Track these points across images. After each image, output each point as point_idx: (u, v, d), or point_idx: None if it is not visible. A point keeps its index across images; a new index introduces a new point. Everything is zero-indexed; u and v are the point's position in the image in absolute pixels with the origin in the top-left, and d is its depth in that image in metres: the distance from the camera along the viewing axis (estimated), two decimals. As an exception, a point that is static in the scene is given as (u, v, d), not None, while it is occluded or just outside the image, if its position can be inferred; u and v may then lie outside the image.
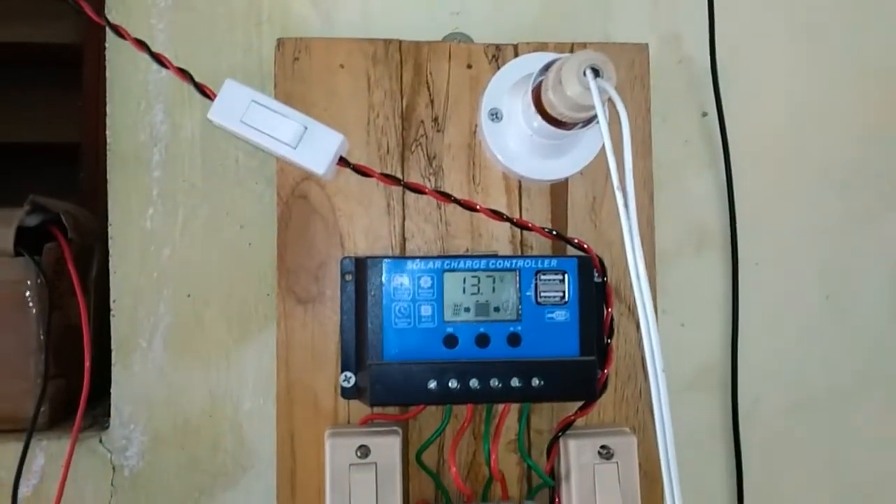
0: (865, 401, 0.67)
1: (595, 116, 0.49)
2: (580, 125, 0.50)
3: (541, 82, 0.50)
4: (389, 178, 0.53)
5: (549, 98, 0.48)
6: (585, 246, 0.55)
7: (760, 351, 0.65)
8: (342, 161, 0.53)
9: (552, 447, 0.55)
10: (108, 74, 0.61)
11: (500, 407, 0.55)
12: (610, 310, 0.56)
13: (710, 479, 0.64)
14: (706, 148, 0.66)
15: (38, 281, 0.60)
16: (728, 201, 0.65)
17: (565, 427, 0.55)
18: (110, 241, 0.59)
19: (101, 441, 0.59)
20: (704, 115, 0.66)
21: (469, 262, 0.52)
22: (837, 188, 0.67)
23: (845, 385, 0.67)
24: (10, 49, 0.97)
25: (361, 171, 0.53)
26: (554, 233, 0.55)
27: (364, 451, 0.52)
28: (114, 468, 0.59)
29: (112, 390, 0.59)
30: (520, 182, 0.58)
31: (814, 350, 0.66)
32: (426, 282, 0.52)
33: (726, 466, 0.65)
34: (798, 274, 0.67)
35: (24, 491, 0.57)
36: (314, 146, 0.50)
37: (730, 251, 0.65)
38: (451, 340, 0.52)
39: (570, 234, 0.57)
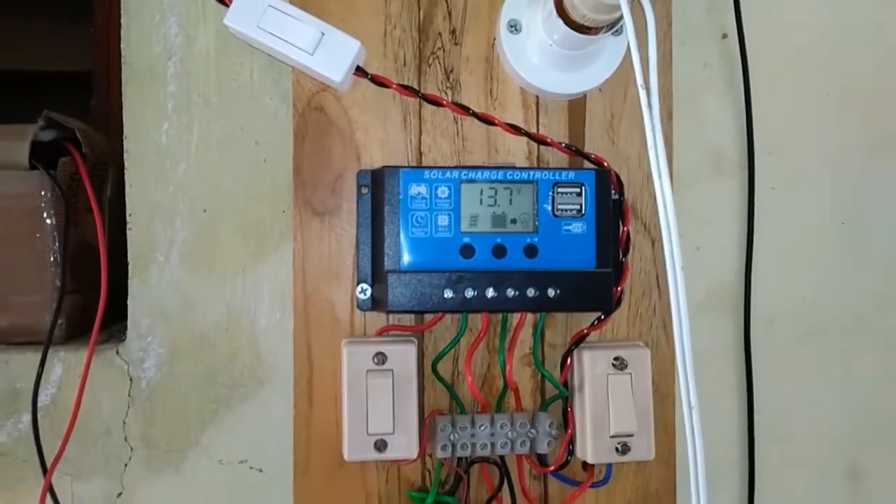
0: (878, 327, 0.67)
1: (618, 19, 0.48)
2: (604, 29, 0.50)
3: (562, -13, 0.49)
4: (407, 90, 0.53)
5: (573, 0, 0.48)
6: (603, 161, 0.55)
7: (774, 275, 0.65)
8: (359, 71, 0.52)
9: (566, 359, 0.55)
10: (121, -14, 0.60)
11: (515, 320, 0.55)
12: (626, 227, 0.56)
13: (721, 400, 0.65)
14: (725, 71, 0.65)
15: (54, 194, 0.60)
16: (746, 125, 0.64)
17: (579, 340, 0.55)
18: (125, 155, 0.59)
19: (118, 353, 0.60)
20: (724, 37, 0.65)
21: (487, 173, 0.52)
22: (857, 114, 0.67)
23: (858, 311, 0.67)
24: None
25: (379, 82, 0.52)
26: (572, 148, 0.55)
27: (381, 357, 0.52)
28: (131, 379, 0.60)
29: (129, 303, 0.59)
30: (537, 98, 0.57)
31: (827, 276, 0.66)
32: (443, 192, 0.52)
33: (737, 388, 0.65)
34: (814, 200, 0.66)
35: (42, 400, 0.58)
36: (331, 53, 0.50)
37: (746, 175, 0.65)
38: (467, 250, 0.52)
39: (588, 150, 0.57)
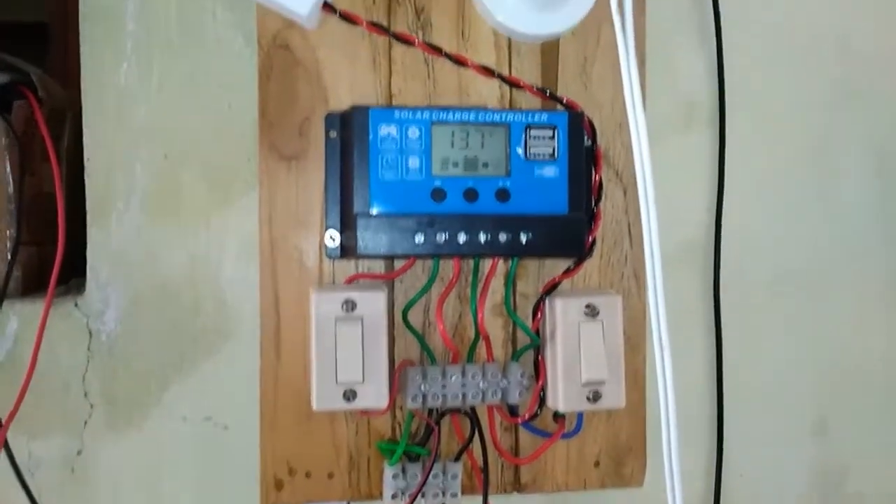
0: (847, 278, 0.68)
1: (592, -45, 0.47)
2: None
3: (536, -78, 0.48)
4: (376, 27, 0.51)
5: (545, -66, 0.46)
6: (576, 105, 0.54)
7: (744, 227, 0.65)
8: (327, 6, 0.51)
9: (538, 307, 0.55)
10: (76, -80, 0.57)
11: (487, 268, 0.54)
12: (599, 173, 0.55)
13: (689, 351, 0.65)
14: (697, 23, 0.65)
15: (8, 140, 0.57)
16: (717, 77, 0.64)
17: (551, 288, 0.55)
18: (83, 97, 0.57)
19: (76, 305, 0.57)
20: (697, -13, 0.64)
21: (458, 115, 0.51)
22: (829, 65, 0.67)
23: (828, 262, 0.67)
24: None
25: (348, 18, 0.51)
26: (544, 91, 0.54)
27: (350, 304, 0.51)
28: (90, 333, 0.57)
29: (87, 252, 0.57)
30: (510, 40, 0.56)
31: (798, 227, 0.67)
32: (414, 133, 0.51)
33: (706, 339, 0.65)
34: (785, 151, 0.66)
35: (-3, 355, 0.56)
36: (297, -14, 0.48)
37: (717, 127, 0.64)
38: (439, 194, 0.51)
39: (560, 94, 0.56)
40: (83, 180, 0.58)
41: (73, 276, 0.61)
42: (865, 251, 0.68)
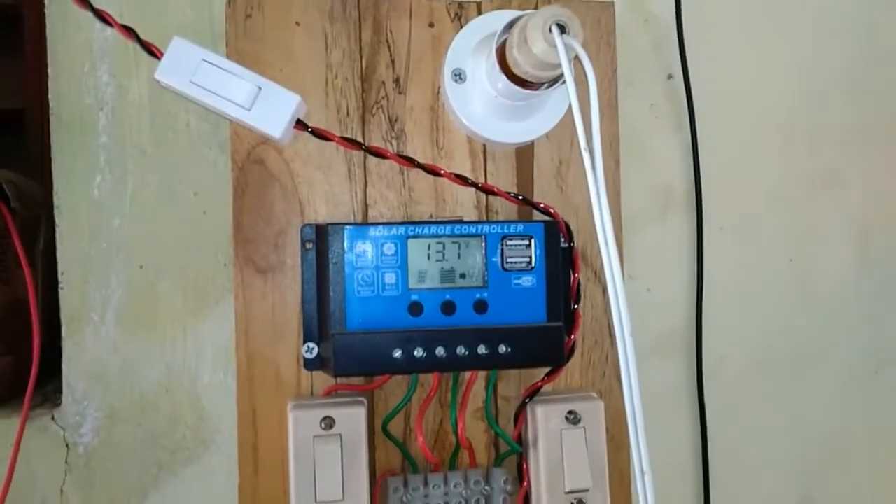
0: (827, 361, 0.68)
1: (561, 76, 0.47)
2: (546, 85, 0.49)
3: (505, 40, 0.49)
4: (350, 142, 0.51)
5: (514, 56, 0.47)
6: (552, 210, 0.54)
7: (725, 313, 0.66)
8: (300, 124, 0.51)
9: (519, 414, 0.54)
10: (48, 34, 0.57)
11: (467, 375, 0.54)
12: (577, 275, 0.55)
13: (676, 439, 0.65)
14: (672, 111, 0.65)
15: (-20, 253, 0.57)
16: (693, 165, 0.65)
17: (533, 393, 0.54)
18: (56, 211, 0.57)
19: (53, 418, 0.57)
20: (670, 77, 0.65)
21: (434, 228, 0.51)
22: (801, 149, 0.67)
23: (807, 346, 0.67)
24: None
25: (320, 135, 0.51)
26: (520, 197, 0.54)
27: (328, 422, 0.50)
28: (67, 446, 0.57)
29: (63, 366, 0.57)
30: (484, 146, 0.56)
31: (777, 312, 0.67)
32: (390, 248, 0.51)
33: (691, 426, 0.65)
34: (762, 237, 0.67)
35: (-29, 472, 0.55)
36: (269, 108, 0.48)
37: (695, 215, 0.65)
38: (416, 308, 0.51)
39: (537, 198, 0.56)
40: (58, 281, 0.57)
41: (49, 374, 0.60)
42: (845, 330, 0.68)
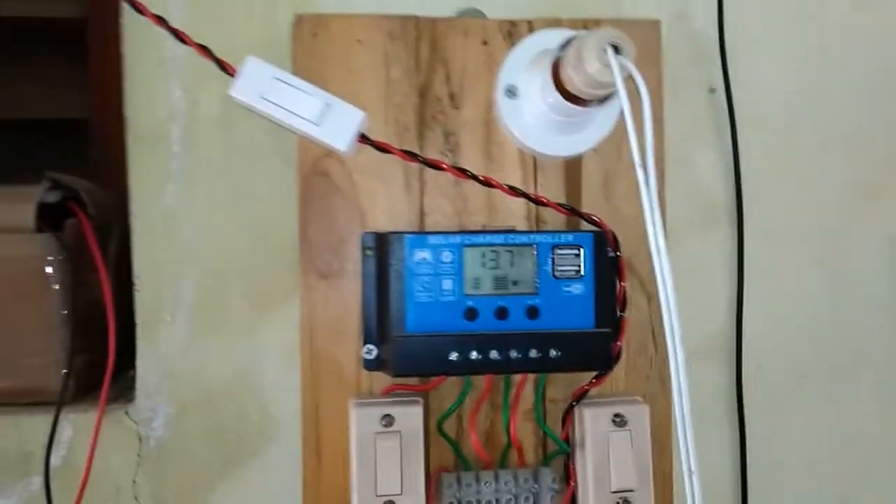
0: (865, 370, 0.69)
1: (611, 94, 0.50)
2: (597, 102, 0.51)
3: (559, 59, 0.51)
4: (408, 155, 0.54)
5: (569, 74, 0.49)
6: (600, 221, 0.56)
7: (764, 321, 0.67)
8: (362, 137, 0.54)
9: (567, 416, 0.57)
10: (124, 51, 0.61)
11: (518, 378, 0.57)
12: (623, 283, 0.58)
13: (714, 445, 0.67)
14: (713, 124, 0.67)
15: (60, 257, 0.61)
16: (734, 177, 0.66)
17: (580, 396, 0.57)
18: (132, 218, 0.60)
19: (127, 413, 0.60)
20: (712, 91, 0.67)
21: (488, 238, 0.54)
22: (840, 160, 0.69)
23: (846, 354, 0.69)
24: (14, 23, 0.97)
25: (381, 148, 0.54)
26: (569, 208, 0.57)
27: (388, 420, 0.54)
28: (140, 439, 0.60)
29: (137, 364, 0.60)
30: (535, 159, 0.59)
31: (816, 320, 0.69)
32: (447, 256, 0.53)
33: (730, 431, 0.67)
34: (802, 247, 0.68)
35: (54, 462, 0.59)
36: (336, 123, 0.51)
37: (736, 226, 0.67)
38: (471, 313, 0.53)
39: (584, 209, 0.59)
40: (130, 280, 0.61)
41: (123, 373, 0.64)
42: (883, 339, 0.69)
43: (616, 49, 0.47)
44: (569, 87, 0.51)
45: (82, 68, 0.90)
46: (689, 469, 0.45)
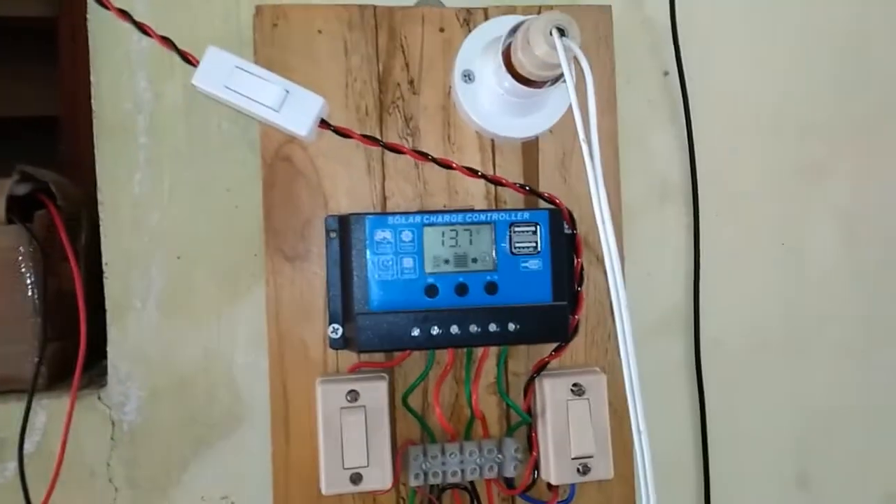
0: (819, 340, 0.72)
1: (562, 75, 0.52)
2: (548, 83, 0.53)
3: (510, 43, 0.53)
4: (369, 139, 0.56)
5: (519, 58, 0.51)
6: (556, 199, 0.58)
7: (721, 296, 0.70)
8: (323, 123, 0.55)
9: (528, 387, 0.59)
10: (90, 45, 0.62)
11: (480, 352, 0.59)
12: (580, 259, 0.60)
13: (676, 417, 0.69)
14: (668, 106, 0.70)
15: (31, 247, 0.62)
16: (689, 156, 0.69)
17: (540, 368, 0.59)
18: (100, 207, 0.62)
19: (99, 398, 0.62)
20: (666, 74, 0.69)
21: (447, 217, 0.56)
22: (792, 140, 0.72)
23: (800, 326, 0.71)
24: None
25: (342, 133, 0.55)
26: (526, 188, 0.59)
27: (353, 395, 0.55)
28: (113, 423, 0.62)
29: (108, 349, 0.62)
30: (493, 141, 0.61)
31: (771, 294, 0.71)
32: (407, 236, 0.55)
33: (690, 405, 0.69)
34: (755, 223, 0.71)
35: (28, 448, 0.60)
36: (296, 109, 0.52)
37: (691, 203, 0.69)
38: (432, 290, 0.55)
39: (542, 188, 0.61)
40: (100, 270, 0.62)
41: (94, 357, 0.65)
42: (837, 312, 0.72)
43: (562, 32, 0.49)
44: (520, 70, 0.53)
45: (53, 66, 0.91)
46: (638, 428, 0.47)
